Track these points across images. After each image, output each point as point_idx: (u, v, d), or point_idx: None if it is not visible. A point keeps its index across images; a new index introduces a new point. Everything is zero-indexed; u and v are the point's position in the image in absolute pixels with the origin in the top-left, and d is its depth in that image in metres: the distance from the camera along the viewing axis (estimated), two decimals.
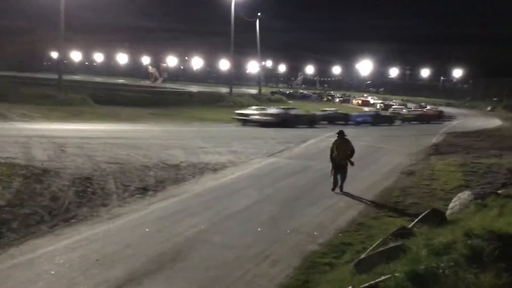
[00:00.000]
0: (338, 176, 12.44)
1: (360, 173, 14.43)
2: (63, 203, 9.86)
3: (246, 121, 30.68)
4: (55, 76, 42.02)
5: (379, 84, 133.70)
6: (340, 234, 8.97)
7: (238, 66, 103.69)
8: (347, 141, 12.69)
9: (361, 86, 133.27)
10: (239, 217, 9.91)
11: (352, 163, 12.38)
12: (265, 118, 30.22)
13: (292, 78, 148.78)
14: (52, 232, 8.28)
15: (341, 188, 12.45)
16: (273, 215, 10.14)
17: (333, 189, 12.41)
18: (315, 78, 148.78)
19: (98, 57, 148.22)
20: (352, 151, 12.51)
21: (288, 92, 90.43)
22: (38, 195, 10.20)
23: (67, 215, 9.24)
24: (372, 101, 71.15)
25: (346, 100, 77.54)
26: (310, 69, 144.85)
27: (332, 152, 12.62)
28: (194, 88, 68.36)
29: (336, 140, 12.72)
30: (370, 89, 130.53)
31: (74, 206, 9.83)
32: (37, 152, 14.87)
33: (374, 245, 6.96)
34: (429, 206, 9.75)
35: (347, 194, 12.27)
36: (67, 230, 8.45)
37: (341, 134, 12.76)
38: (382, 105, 63.62)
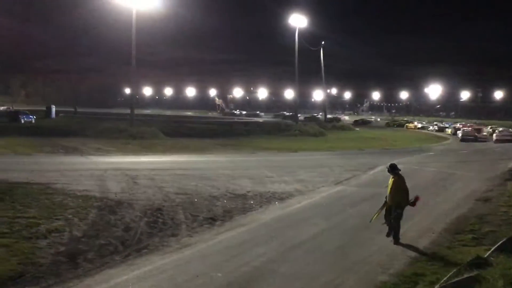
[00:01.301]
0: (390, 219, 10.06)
1: (432, 200, 13.96)
2: (136, 234, 10.17)
3: None
4: (128, 111, 43.90)
5: (449, 107, 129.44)
6: (412, 264, 8.66)
7: (303, 94, 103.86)
8: (399, 178, 10.21)
9: (430, 110, 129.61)
10: (307, 246, 9.82)
11: (412, 204, 10.04)
12: None
13: (358, 105, 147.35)
14: (125, 262, 8.55)
15: (390, 233, 10.05)
16: (341, 244, 9.97)
17: (388, 234, 10.04)
18: (382, 104, 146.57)
19: (168, 91, 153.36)
20: (405, 191, 10.05)
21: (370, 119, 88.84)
22: (112, 226, 10.60)
23: (139, 245, 9.52)
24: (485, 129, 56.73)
25: (441, 129, 66.91)
26: (376, 95, 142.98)
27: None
28: (259, 118, 69.21)
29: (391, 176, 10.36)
30: (440, 113, 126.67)
31: (146, 236, 10.11)
32: (111, 185, 15.52)
33: (448, 276, 6.68)
34: (507, 235, 9.25)
35: (419, 223, 11.82)
36: (139, 260, 8.69)
37: (392, 168, 10.34)
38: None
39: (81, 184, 15.32)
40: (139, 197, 13.76)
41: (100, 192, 14.18)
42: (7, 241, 8.91)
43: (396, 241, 9.92)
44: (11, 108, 74.03)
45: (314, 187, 17.07)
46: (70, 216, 11.09)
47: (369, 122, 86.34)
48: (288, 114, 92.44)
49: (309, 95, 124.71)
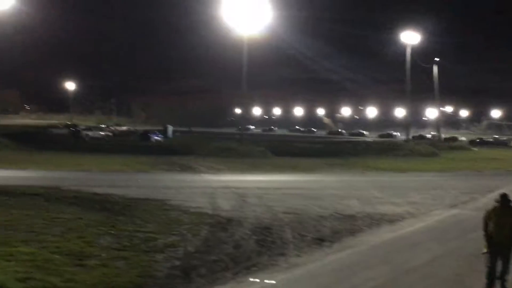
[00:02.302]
0: (499, 263, 8.01)
1: None
2: (245, 251, 10.37)
3: None
4: (238, 130, 45.22)
5: None
6: None
7: (414, 113, 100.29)
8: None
9: None
10: (420, 272, 9.39)
11: None
12: None
13: (475, 123, 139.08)
14: (235, 279, 8.74)
15: (502, 280, 8.02)
16: (459, 272, 9.42)
17: (488, 284, 8.02)
18: (503, 123, 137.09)
19: (276, 110, 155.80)
20: None
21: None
22: (223, 243, 10.90)
23: (249, 263, 9.68)
24: None
25: None
26: (496, 113, 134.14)
27: (486, 224, 8.27)
28: (369, 137, 67.85)
29: (495, 208, 8.21)
30: None
31: (255, 254, 10.27)
32: (222, 202, 16.01)
33: None
34: None
35: None
36: (248, 278, 8.84)
37: (504, 199, 8.12)
38: None
39: (195, 201, 15.97)
40: (248, 215, 14.04)
41: (211, 209, 14.69)
42: (128, 254, 9.49)
43: (503, 283, 8.00)
44: (131, 128, 79.20)
45: (427, 209, 16.34)
46: (184, 231, 11.59)
47: (490, 142, 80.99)
48: (394, 133, 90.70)
49: (421, 113, 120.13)
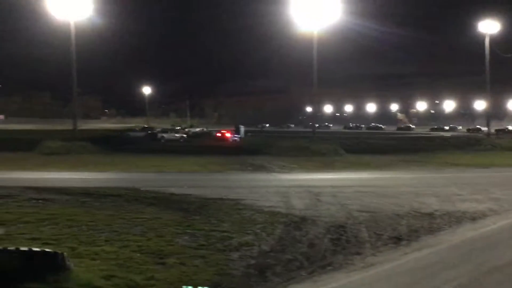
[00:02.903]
0: None
1: None
2: (320, 250, 10.31)
3: None
4: (309, 129, 45.04)
5: None
6: None
7: (495, 105, 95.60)
8: None
9: None
10: (505, 272, 8.93)
11: None
12: None
13: None
14: (310, 278, 8.71)
15: None
16: None
17: None
18: None
19: (348, 107, 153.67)
20: None
21: None
22: (297, 242, 10.90)
23: (324, 262, 9.62)
24: None
25: None
26: None
27: None
28: (446, 132, 65.43)
29: None
30: None
31: (330, 253, 10.19)
32: (295, 201, 16.01)
33: None
34: None
35: None
36: (324, 277, 8.78)
37: None
38: None
39: (268, 200, 16.09)
40: (322, 214, 13.95)
41: (285, 208, 14.73)
42: (204, 252, 9.72)
43: None
44: (205, 129, 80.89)
45: (511, 206, 15.52)
46: (258, 231, 11.70)
47: None
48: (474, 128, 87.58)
49: (504, 105, 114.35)
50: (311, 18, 39.56)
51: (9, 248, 6.90)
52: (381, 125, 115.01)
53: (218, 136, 63.00)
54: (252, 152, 38.07)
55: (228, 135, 61.37)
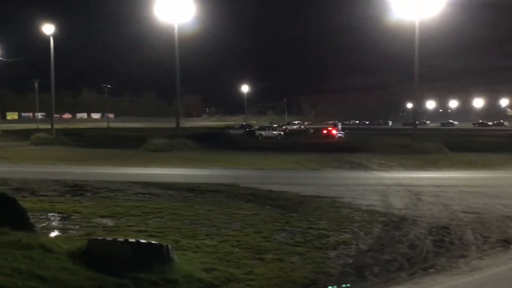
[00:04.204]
0: None
1: None
2: (421, 252, 9.96)
3: None
4: (408, 126, 43.53)
5: None
6: None
7: None
8: None
9: None
10: None
11: None
12: None
13: None
14: (411, 280, 8.45)
15: None
16: None
17: None
18: None
19: (452, 103, 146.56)
20: None
21: None
22: (397, 242, 10.61)
23: (425, 264, 9.28)
24: None
25: None
26: None
27: None
28: None
29: None
30: None
31: (432, 255, 9.81)
32: (394, 200, 15.58)
33: None
34: None
35: None
36: (425, 279, 8.48)
37: None
38: None
39: (366, 198, 15.80)
40: (423, 214, 13.46)
41: (384, 207, 14.38)
42: (302, 249, 9.76)
43: None
44: (302, 126, 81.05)
45: None
46: (356, 229, 11.54)
47: None
48: None
49: None
50: (412, 7, 37.94)
51: (119, 239, 7.37)
52: (453, 121, 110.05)
53: (324, 133, 63.54)
54: (350, 149, 37.59)
55: (334, 132, 61.71)
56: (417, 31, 38.15)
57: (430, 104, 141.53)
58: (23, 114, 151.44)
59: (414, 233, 11.31)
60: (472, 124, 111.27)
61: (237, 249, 9.56)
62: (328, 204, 14.68)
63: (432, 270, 8.98)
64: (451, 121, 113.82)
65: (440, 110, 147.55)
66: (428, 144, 37.18)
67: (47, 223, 11.58)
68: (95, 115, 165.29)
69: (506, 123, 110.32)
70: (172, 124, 51.37)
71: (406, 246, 10.35)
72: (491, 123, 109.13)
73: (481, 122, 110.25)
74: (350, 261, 9.26)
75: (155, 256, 7.20)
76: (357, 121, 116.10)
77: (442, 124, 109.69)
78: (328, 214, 13.22)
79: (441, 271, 8.92)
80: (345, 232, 11.29)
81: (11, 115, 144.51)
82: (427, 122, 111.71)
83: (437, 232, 11.46)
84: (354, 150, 36.78)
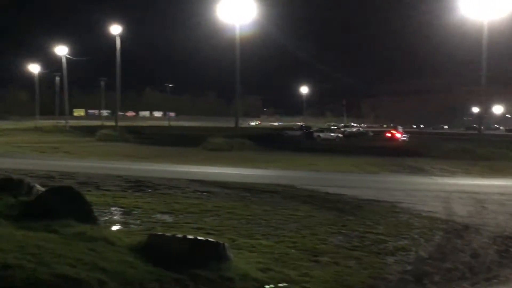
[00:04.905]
0: None
1: None
2: (484, 262, 9.58)
3: None
4: (471, 131, 41.97)
5: None
6: None
7: None
8: None
9: None
10: None
11: None
12: None
13: None
14: None
15: None
16: None
17: None
18: None
19: None
20: None
21: None
22: (458, 251, 10.25)
23: (489, 274, 8.92)
24: None
25: None
26: None
27: None
28: None
29: None
30: None
31: (496, 265, 9.41)
32: (457, 207, 15.06)
33: None
34: None
35: None
36: None
37: None
38: None
39: (426, 205, 15.36)
40: (487, 222, 12.93)
41: (445, 214, 13.93)
42: (358, 254, 9.60)
43: None
44: (361, 129, 79.97)
45: None
46: (415, 236, 11.24)
47: None
48: None
49: None
50: (481, 7, 36.48)
51: (177, 236, 7.52)
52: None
53: (387, 135, 62.84)
54: (411, 153, 36.71)
55: (398, 135, 61.01)
56: (485, 32, 36.71)
57: (498, 109, 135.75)
58: (89, 111, 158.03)
59: (477, 242, 10.90)
60: None
61: (293, 251, 9.53)
62: (387, 209, 14.38)
63: (495, 280, 8.63)
64: None
65: (508, 116, 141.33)
66: (493, 150, 35.74)
67: (109, 216, 11.98)
68: (157, 113, 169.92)
69: None
70: (231, 124, 51.95)
71: (468, 255, 9.98)
72: None
73: None
74: (409, 268, 9.02)
75: (212, 253, 7.29)
76: (414, 126, 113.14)
77: (507, 130, 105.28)
78: (386, 219, 12.96)
79: (505, 282, 8.56)
80: (404, 238, 11.01)
81: (78, 112, 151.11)
82: (500, 127, 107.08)
83: (502, 242, 10.99)
84: (415, 154, 35.87)
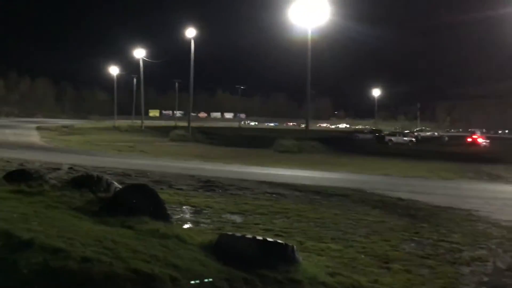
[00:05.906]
0: None
1: None
2: None
3: None
4: None
5: None
6: None
7: None
8: None
9: None
10: None
11: None
12: None
13: None
14: None
15: None
16: None
17: None
18: None
19: None
20: None
21: None
22: None
23: None
24: None
25: None
26: None
27: None
28: None
29: None
30: None
31: None
32: None
33: None
34: None
35: None
36: None
37: None
38: None
39: (505, 214, 14.59)
40: None
41: None
42: (432, 262, 9.28)
43: None
44: (436, 133, 77.38)
45: None
46: (493, 246, 10.72)
47: None
48: None
49: None
50: None
51: (247, 236, 7.60)
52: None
53: (468, 140, 61.10)
54: (489, 160, 35.08)
55: (480, 140, 59.15)
56: None
57: None
58: (163, 111, 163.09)
59: None
60: None
61: (362, 256, 9.36)
62: (463, 217, 13.81)
63: None
64: None
65: None
66: None
67: (181, 215, 12.29)
68: (228, 115, 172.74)
69: None
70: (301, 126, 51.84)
71: None
72: None
73: None
74: (486, 279, 8.62)
75: (280, 255, 7.30)
76: (499, 131, 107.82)
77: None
78: (462, 228, 12.44)
79: None
80: (480, 248, 10.53)
81: (153, 112, 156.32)
82: None
83: None
84: (494, 160, 34.24)
